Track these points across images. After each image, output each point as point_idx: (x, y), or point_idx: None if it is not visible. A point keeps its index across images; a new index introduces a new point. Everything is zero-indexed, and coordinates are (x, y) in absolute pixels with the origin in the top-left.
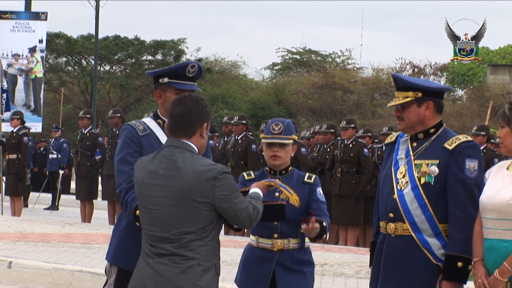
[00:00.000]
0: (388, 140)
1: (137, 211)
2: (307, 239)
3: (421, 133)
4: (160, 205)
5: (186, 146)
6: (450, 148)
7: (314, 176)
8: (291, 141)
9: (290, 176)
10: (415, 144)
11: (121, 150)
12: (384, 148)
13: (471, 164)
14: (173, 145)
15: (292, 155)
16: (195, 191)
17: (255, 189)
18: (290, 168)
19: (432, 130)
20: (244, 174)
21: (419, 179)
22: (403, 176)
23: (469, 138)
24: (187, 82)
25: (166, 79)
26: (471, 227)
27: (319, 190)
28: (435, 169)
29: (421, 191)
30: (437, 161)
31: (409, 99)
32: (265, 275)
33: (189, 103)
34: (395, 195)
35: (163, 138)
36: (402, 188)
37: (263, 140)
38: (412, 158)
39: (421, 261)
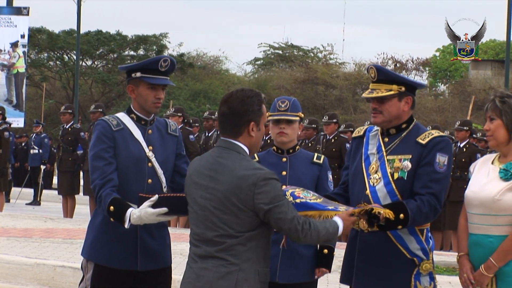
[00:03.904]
0: (356, 133)
1: (111, 207)
2: None
3: (393, 129)
4: (203, 206)
5: (233, 146)
6: (423, 142)
7: (323, 157)
8: (297, 118)
9: (297, 156)
10: (386, 139)
11: (94, 146)
12: (351, 141)
13: (442, 159)
14: (221, 146)
15: (299, 133)
16: (235, 196)
17: (336, 218)
18: (297, 147)
19: (404, 126)
20: None
21: (392, 175)
22: (376, 172)
23: (442, 134)
24: (160, 77)
25: (138, 74)
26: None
27: (330, 176)
28: (408, 164)
29: (394, 187)
30: (410, 156)
31: (392, 92)
32: (272, 258)
33: (233, 103)
34: (367, 191)
35: (136, 133)
36: (375, 184)
37: (269, 118)
38: (385, 153)
39: (396, 256)
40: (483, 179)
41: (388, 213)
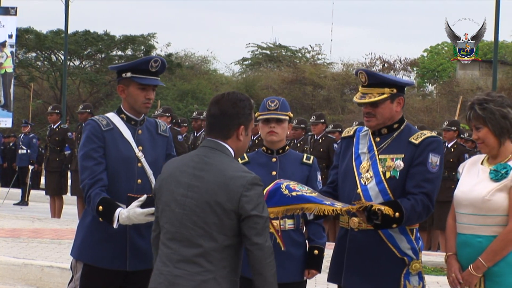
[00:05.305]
0: (346, 134)
1: (100, 207)
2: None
3: (385, 128)
4: (183, 204)
5: (220, 147)
6: (416, 142)
7: (312, 157)
8: (287, 117)
9: (287, 156)
10: (378, 139)
11: (84, 145)
12: (340, 141)
13: (434, 159)
14: (208, 146)
15: (288, 133)
16: (221, 196)
17: None
18: (287, 147)
19: (395, 126)
20: None
21: (384, 174)
22: (367, 171)
23: (434, 134)
24: (150, 77)
25: (129, 74)
26: (422, 205)
27: (319, 176)
28: (400, 163)
29: (386, 186)
30: (403, 155)
31: (385, 95)
32: None
33: (225, 105)
34: (359, 190)
35: (126, 133)
36: (366, 183)
37: (259, 117)
38: (376, 153)
39: (386, 254)
40: (473, 179)
41: (388, 210)
